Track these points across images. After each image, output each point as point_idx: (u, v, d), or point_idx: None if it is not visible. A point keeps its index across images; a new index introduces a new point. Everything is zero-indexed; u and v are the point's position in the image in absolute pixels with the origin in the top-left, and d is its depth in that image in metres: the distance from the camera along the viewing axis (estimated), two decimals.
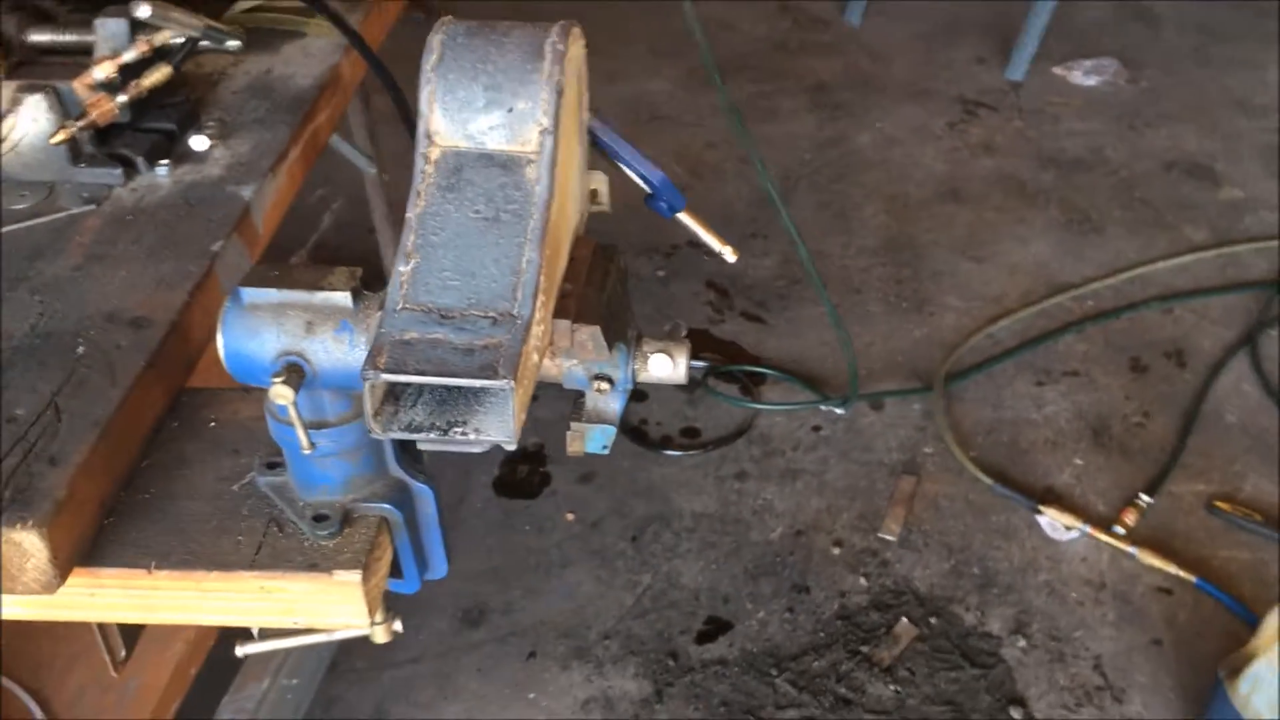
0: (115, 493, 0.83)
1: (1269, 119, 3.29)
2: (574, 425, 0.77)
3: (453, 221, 0.67)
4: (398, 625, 0.89)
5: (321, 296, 0.73)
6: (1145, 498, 2.24)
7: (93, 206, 1.03)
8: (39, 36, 1.09)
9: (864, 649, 2.04)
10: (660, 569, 2.20)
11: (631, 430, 2.46)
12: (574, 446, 0.78)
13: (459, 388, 0.67)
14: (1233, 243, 2.84)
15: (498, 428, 0.66)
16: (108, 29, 1.04)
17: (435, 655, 2.09)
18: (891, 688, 1.98)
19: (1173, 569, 2.11)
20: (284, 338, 0.73)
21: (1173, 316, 2.66)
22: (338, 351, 0.73)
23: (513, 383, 0.61)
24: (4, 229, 1.00)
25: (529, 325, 0.63)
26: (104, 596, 0.80)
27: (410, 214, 0.68)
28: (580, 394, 0.76)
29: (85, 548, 0.80)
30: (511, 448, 0.68)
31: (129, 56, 1.02)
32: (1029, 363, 2.56)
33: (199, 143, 1.09)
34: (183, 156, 1.09)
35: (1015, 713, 1.94)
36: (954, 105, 3.40)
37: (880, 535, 2.23)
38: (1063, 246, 2.86)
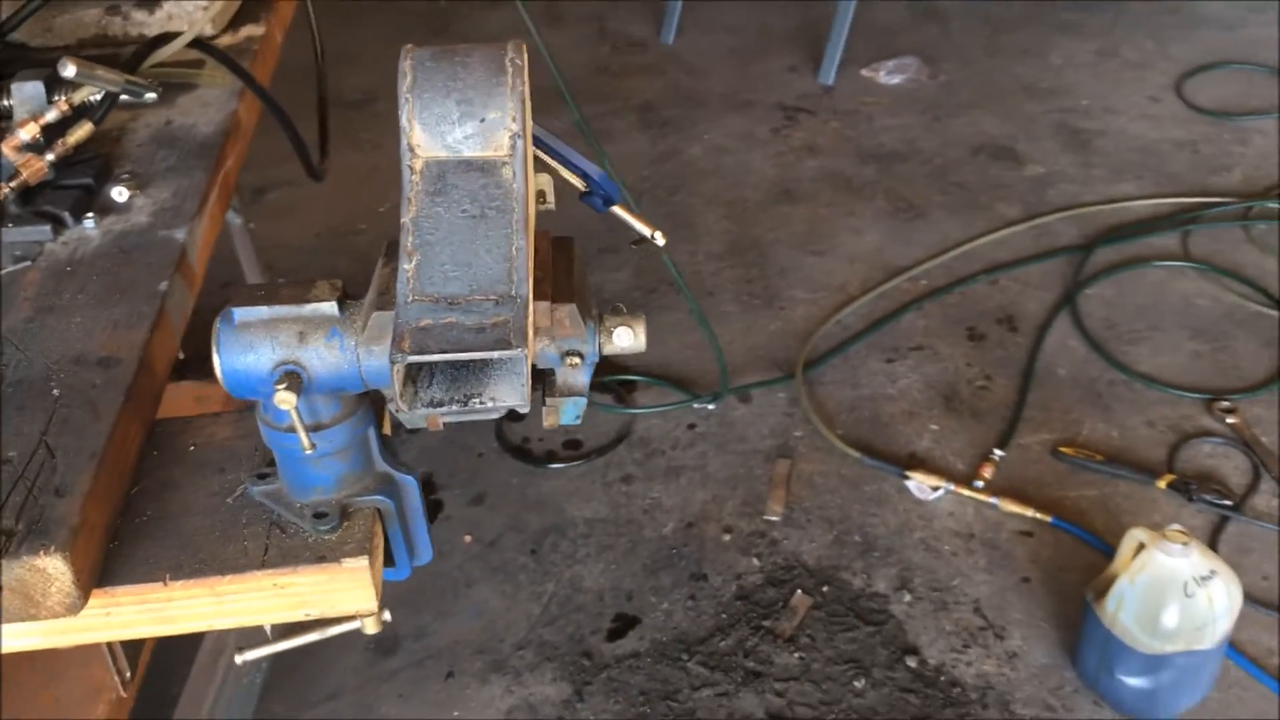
0: (115, 519, 0.88)
1: (1056, 100, 3.58)
2: (549, 400, 0.85)
3: (444, 221, 0.75)
4: (386, 615, 0.96)
5: (310, 308, 0.80)
6: (998, 452, 2.43)
7: (28, 263, 1.07)
8: None
9: (765, 623, 2.16)
10: (563, 576, 2.28)
11: (515, 449, 2.54)
12: (550, 420, 0.86)
13: (470, 364, 0.76)
14: (1041, 215, 3.09)
15: (511, 393, 0.74)
16: (25, 92, 1.08)
17: (353, 689, 2.12)
18: (796, 655, 2.11)
19: (1031, 513, 2.30)
20: (279, 349, 0.79)
21: (999, 286, 2.88)
22: (331, 357, 0.80)
23: (525, 350, 0.70)
24: None
25: (527, 302, 0.72)
26: (120, 614, 0.84)
27: (405, 219, 0.76)
28: (550, 372, 0.85)
29: (98, 571, 0.84)
30: (525, 410, 0.76)
31: (51, 116, 1.06)
32: (877, 343, 2.74)
33: (119, 194, 1.13)
34: (105, 209, 1.13)
35: (910, 661, 2.09)
36: (774, 112, 3.60)
37: (765, 517, 2.36)
38: (892, 233, 3.07)
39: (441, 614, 2.22)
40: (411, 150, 0.77)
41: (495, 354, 0.69)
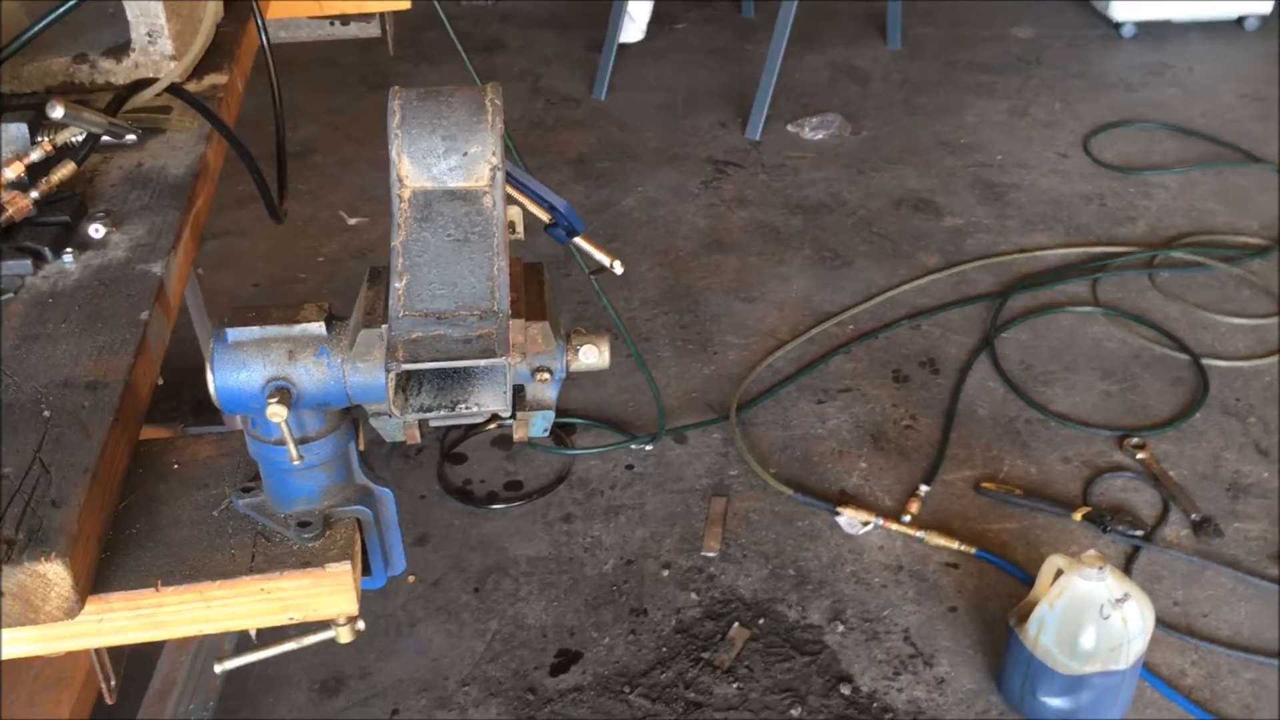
0: (107, 531, 0.93)
1: (972, 156, 3.75)
2: (519, 414, 0.92)
3: (431, 245, 0.82)
4: (360, 625, 1.01)
5: (300, 328, 0.86)
6: (924, 488, 2.53)
7: (10, 296, 1.11)
8: None
9: (704, 655, 2.23)
10: (505, 614, 2.33)
11: (457, 490, 2.59)
12: (520, 433, 0.93)
13: (456, 373, 0.82)
14: (960, 263, 3.23)
15: (493, 399, 0.81)
16: (9, 132, 1.13)
17: None
18: (734, 685, 2.17)
19: (956, 545, 2.40)
20: (270, 366, 0.86)
21: (921, 331, 3.01)
22: (319, 373, 0.86)
23: (508, 358, 0.77)
24: None
25: (508, 317, 0.79)
26: (112, 620, 0.89)
27: (395, 242, 0.83)
28: (521, 387, 0.92)
29: (93, 578, 0.89)
30: (507, 415, 0.83)
31: (34, 156, 1.12)
32: (808, 385, 2.85)
33: (96, 230, 1.18)
34: (83, 245, 1.18)
35: (844, 689, 2.17)
36: (705, 166, 3.72)
37: (703, 553, 2.43)
38: (820, 281, 3.19)
39: (386, 653, 2.25)
40: (400, 181, 0.84)
41: (481, 362, 0.76)
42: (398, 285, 0.81)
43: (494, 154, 0.83)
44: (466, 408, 0.82)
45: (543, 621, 2.31)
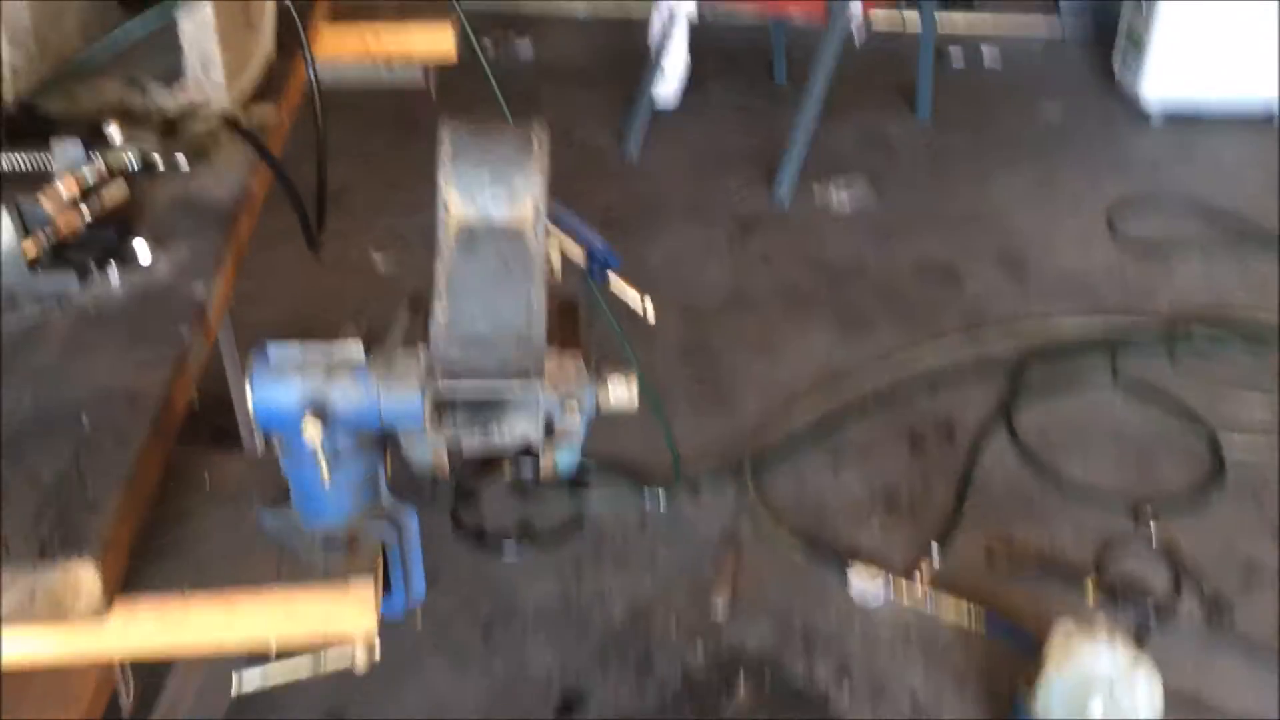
0: (135, 540, 0.95)
1: (995, 226, 3.79)
2: (546, 448, 0.94)
3: (473, 274, 0.85)
4: (377, 653, 1.03)
5: (338, 350, 0.89)
6: (936, 551, 2.53)
7: (55, 309, 1.15)
8: None
9: (709, 709, 2.22)
10: (512, 658, 2.33)
11: (470, 533, 2.60)
12: (546, 464, 0.95)
13: (491, 399, 0.85)
14: (981, 331, 3.25)
15: (527, 425, 0.84)
16: (65, 151, 1.17)
17: None
18: None
19: (966, 610, 2.40)
20: (308, 386, 0.88)
21: (939, 396, 3.02)
22: (354, 395, 0.89)
23: (543, 384, 0.79)
24: None
25: (544, 346, 0.82)
26: (138, 625, 0.91)
27: (439, 270, 0.86)
28: (549, 422, 0.94)
29: (121, 583, 0.91)
30: (539, 441, 0.85)
31: (89, 174, 1.15)
32: (823, 444, 2.86)
33: (142, 251, 1.22)
34: (128, 264, 1.22)
35: None
36: (731, 224, 3.77)
37: (712, 607, 2.43)
38: (840, 342, 3.22)
39: (391, 692, 2.26)
40: (446, 210, 0.87)
41: (518, 386, 0.79)
42: (439, 311, 0.84)
43: (538, 189, 0.86)
44: (499, 433, 0.85)
45: (549, 668, 2.31)
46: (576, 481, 2.73)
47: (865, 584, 2.46)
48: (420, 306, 0.91)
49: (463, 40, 2.18)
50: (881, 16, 4.77)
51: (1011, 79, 4.84)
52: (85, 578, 0.86)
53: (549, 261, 0.94)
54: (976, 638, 2.36)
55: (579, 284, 1.02)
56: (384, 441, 0.96)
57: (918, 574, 2.47)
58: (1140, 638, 2.36)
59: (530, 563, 2.53)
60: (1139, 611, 2.40)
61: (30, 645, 0.91)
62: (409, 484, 2.79)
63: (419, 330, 0.89)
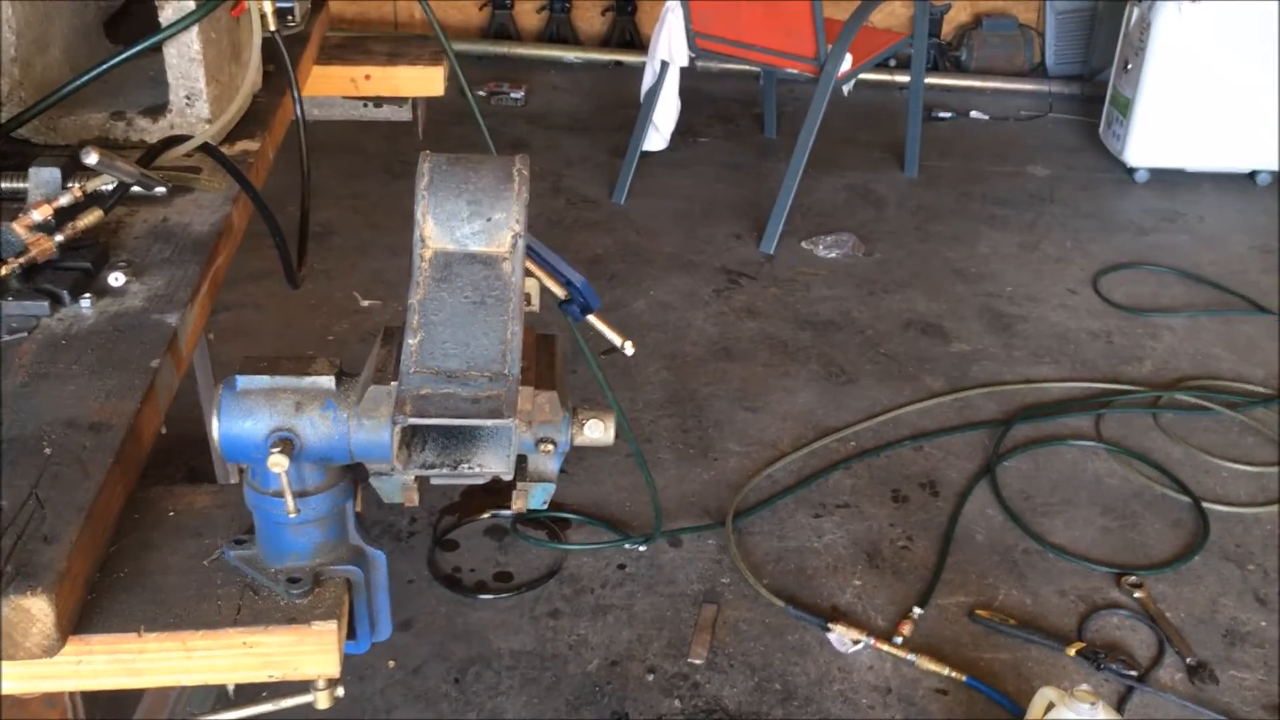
0: (94, 573, 0.92)
1: (982, 285, 3.79)
2: (519, 485, 0.92)
3: (447, 305, 0.83)
4: (340, 691, 1.00)
5: (309, 380, 0.86)
6: (917, 610, 2.50)
7: (24, 335, 1.12)
8: None
9: None
10: (485, 707, 2.28)
11: (446, 578, 2.56)
12: (519, 504, 0.93)
13: (461, 433, 0.82)
14: (965, 389, 3.24)
15: (497, 461, 0.81)
16: (41, 176, 1.15)
17: None
18: None
19: (946, 671, 2.36)
20: (276, 417, 0.86)
21: (923, 453, 3.00)
22: (324, 427, 0.86)
23: (515, 421, 0.77)
24: None
25: (518, 381, 0.80)
26: (91, 663, 0.88)
27: (412, 300, 0.84)
28: (523, 458, 0.92)
29: (76, 618, 0.88)
30: (509, 478, 0.83)
31: (64, 201, 1.14)
32: (805, 498, 2.83)
33: (116, 279, 1.20)
34: (101, 291, 1.20)
35: None
36: (718, 274, 3.76)
37: (689, 660, 2.39)
38: (825, 396, 3.20)
39: None
40: (423, 241, 0.85)
41: (489, 423, 0.76)
42: (411, 342, 0.82)
43: (517, 222, 0.85)
44: (469, 467, 0.82)
45: (522, 718, 2.26)
46: (556, 529, 2.70)
47: (845, 643, 2.42)
48: (395, 338, 0.89)
49: (453, 84, 2.18)
50: (870, 71, 4.82)
51: (999, 140, 4.87)
52: (38, 612, 0.83)
53: (527, 294, 0.92)
54: (957, 702, 2.33)
55: (559, 320, 1.00)
56: (353, 476, 0.93)
57: (899, 634, 2.44)
58: (1123, 703, 2.33)
59: (506, 610, 2.49)
60: (1121, 676, 2.37)
61: None
62: (385, 527, 2.75)
63: (392, 362, 0.87)
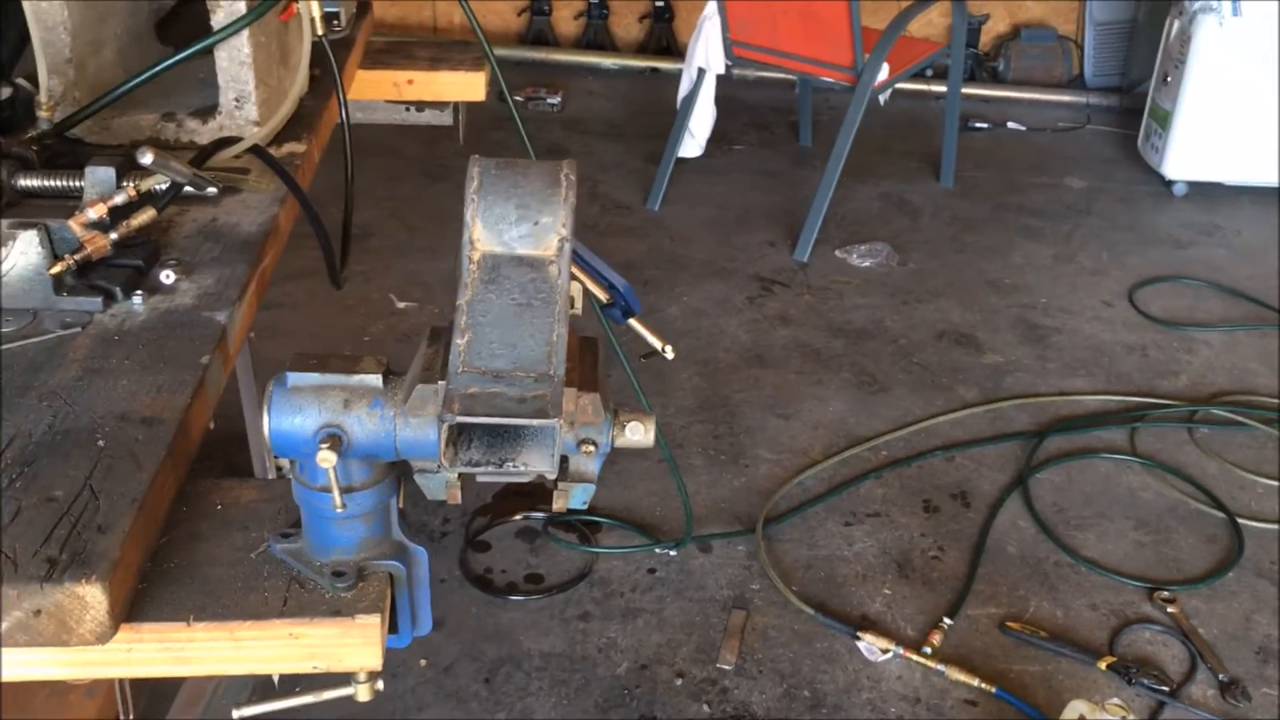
0: (145, 562, 0.94)
1: (1016, 296, 3.78)
2: (560, 485, 0.94)
3: (495, 307, 0.85)
4: (380, 685, 1.01)
5: (357, 378, 0.88)
6: (947, 621, 2.50)
7: (78, 330, 1.15)
8: (26, 181, 1.22)
9: None
10: (514, 707, 2.30)
11: (477, 578, 2.58)
12: (559, 504, 0.95)
13: (507, 432, 0.84)
14: (998, 400, 3.24)
15: (541, 460, 0.83)
16: (97, 175, 1.18)
17: None
18: None
19: (976, 682, 2.36)
20: (325, 413, 0.88)
21: (955, 463, 3.00)
22: (371, 424, 0.88)
23: (560, 420, 0.79)
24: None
25: (563, 382, 0.81)
26: (141, 651, 0.90)
27: (461, 301, 0.86)
28: (565, 458, 0.93)
29: (128, 606, 0.90)
30: (553, 477, 0.84)
31: (119, 199, 1.16)
32: (836, 506, 2.84)
33: (167, 277, 1.22)
34: (153, 289, 1.22)
35: None
36: (751, 282, 3.77)
37: (718, 665, 2.40)
38: (856, 404, 3.20)
39: None
40: (472, 244, 0.87)
41: (535, 422, 0.78)
42: (459, 342, 0.84)
43: (564, 226, 0.86)
44: (514, 466, 0.84)
45: (551, 719, 2.28)
46: (587, 533, 2.71)
47: (875, 651, 2.43)
48: (441, 339, 0.91)
49: (493, 90, 2.20)
50: (907, 81, 4.82)
51: (1036, 151, 4.86)
52: (92, 600, 0.86)
53: (571, 297, 0.94)
54: (986, 713, 2.32)
55: (600, 325, 1.02)
56: (398, 473, 0.95)
57: (929, 644, 2.43)
58: (1154, 718, 2.32)
59: (536, 611, 2.51)
60: (1153, 691, 2.36)
61: (30, 664, 0.90)
62: (419, 527, 2.78)
63: (439, 362, 0.89)
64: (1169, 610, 2.56)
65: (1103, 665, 2.40)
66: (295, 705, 1.00)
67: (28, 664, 0.90)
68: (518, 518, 2.76)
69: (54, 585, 0.85)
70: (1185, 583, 2.65)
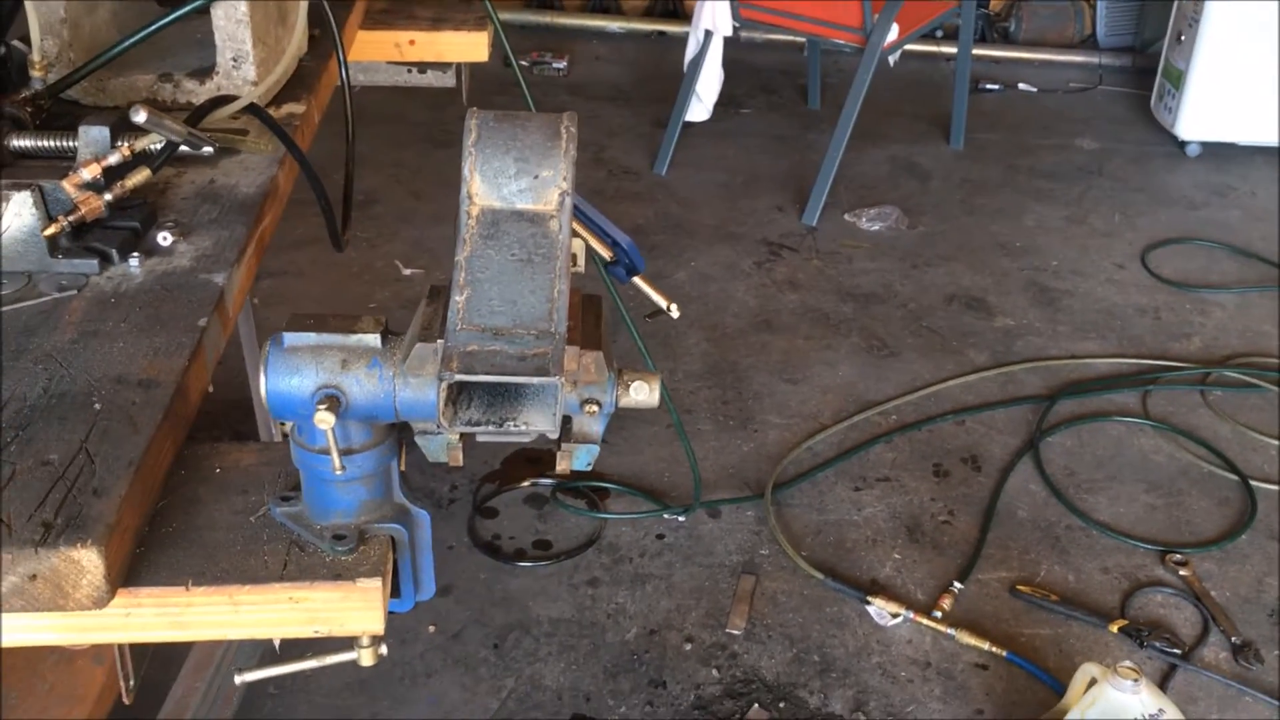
0: (143, 526, 0.93)
1: (1027, 259, 3.75)
2: (564, 446, 0.92)
3: (494, 263, 0.83)
4: (383, 649, 1.00)
5: (355, 338, 0.86)
6: (958, 585, 2.49)
7: (73, 292, 1.13)
8: (19, 142, 1.20)
9: None
10: (523, 673, 2.30)
11: (486, 545, 2.57)
12: (563, 465, 0.93)
13: (507, 390, 0.82)
14: (1009, 364, 3.21)
15: (542, 419, 0.81)
16: (90, 135, 1.16)
17: None
18: None
19: (986, 646, 2.35)
20: (322, 374, 0.86)
21: (965, 427, 2.98)
22: (370, 384, 0.86)
23: (561, 378, 0.77)
24: None
25: (564, 339, 0.79)
26: (139, 616, 0.88)
27: (459, 257, 0.84)
28: (568, 419, 0.91)
29: (125, 571, 0.89)
30: (555, 436, 0.82)
31: (113, 159, 1.14)
32: (846, 471, 2.82)
33: (164, 238, 1.20)
34: (149, 251, 1.20)
35: None
36: (759, 247, 3.74)
37: (727, 630, 2.39)
38: (866, 369, 3.18)
39: (399, 701, 2.23)
40: (470, 198, 0.85)
41: (535, 380, 0.76)
42: (458, 299, 0.82)
43: (565, 179, 0.84)
44: (515, 425, 0.82)
45: (560, 684, 2.27)
46: (595, 498, 2.70)
47: (885, 616, 2.41)
48: (441, 297, 0.89)
49: (497, 52, 2.17)
50: (917, 42, 4.76)
51: (1047, 112, 4.80)
52: (89, 564, 0.84)
53: (573, 254, 0.92)
54: (997, 677, 2.31)
55: (603, 286, 0.99)
56: (399, 434, 0.93)
57: (939, 608, 2.42)
58: (1166, 681, 2.30)
59: (545, 577, 2.50)
60: (1165, 654, 2.34)
61: (29, 629, 0.89)
62: (426, 493, 2.77)
63: (439, 320, 0.87)
64: (1181, 573, 2.54)
65: (1114, 628, 2.38)
66: (299, 669, 0.98)
67: (25, 629, 0.89)
68: (525, 484, 2.74)
69: (49, 550, 0.84)
70: (1197, 545, 2.63)
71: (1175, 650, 2.35)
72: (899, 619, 2.41)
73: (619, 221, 3.53)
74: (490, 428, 0.83)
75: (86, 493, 0.88)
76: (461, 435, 0.87)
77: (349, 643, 0.99)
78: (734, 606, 2.44)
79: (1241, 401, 3.11)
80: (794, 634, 2.39)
